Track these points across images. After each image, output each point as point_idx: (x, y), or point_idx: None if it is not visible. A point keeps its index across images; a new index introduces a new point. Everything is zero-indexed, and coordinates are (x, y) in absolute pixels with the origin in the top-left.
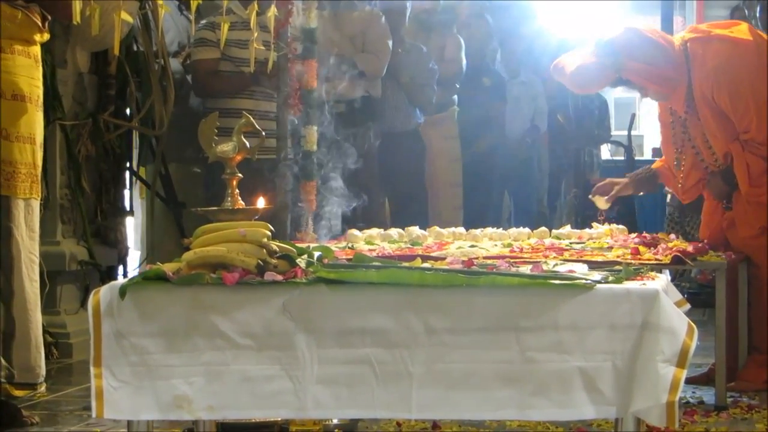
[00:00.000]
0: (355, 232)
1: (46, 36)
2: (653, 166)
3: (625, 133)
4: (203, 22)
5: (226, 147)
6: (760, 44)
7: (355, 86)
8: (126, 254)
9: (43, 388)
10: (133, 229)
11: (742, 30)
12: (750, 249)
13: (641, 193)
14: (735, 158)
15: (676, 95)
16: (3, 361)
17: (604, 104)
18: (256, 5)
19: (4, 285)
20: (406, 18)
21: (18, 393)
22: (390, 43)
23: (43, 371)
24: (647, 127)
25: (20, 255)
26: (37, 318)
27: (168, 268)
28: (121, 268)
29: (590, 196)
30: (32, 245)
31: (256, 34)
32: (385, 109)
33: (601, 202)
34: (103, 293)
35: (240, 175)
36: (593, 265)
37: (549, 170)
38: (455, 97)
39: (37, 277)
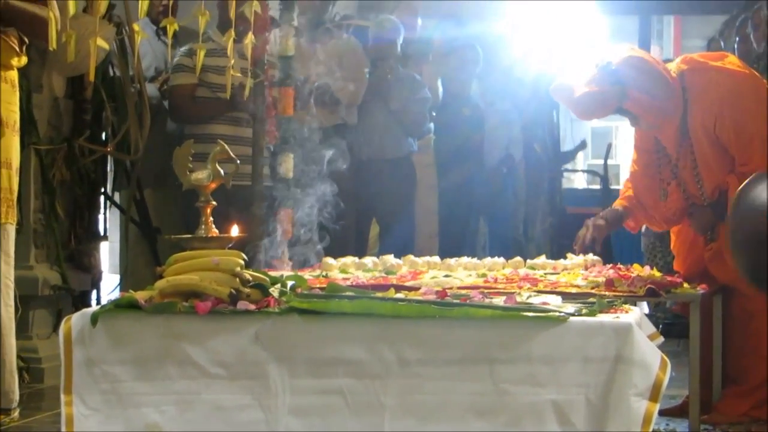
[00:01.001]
0: (329, 260)
1: (24, 60)
2: (617, 205)
3: (602, 162)
4: (183, 48)
5: (200, 175)
6: (755, 76)
7: (332, 114)
8: (100, 279)
9: (16, 414)
10: (108, 253)
11: (733, 62)
12: (739, 281)
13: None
14: (731, 190)
15: (668, 126)
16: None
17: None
18: (233, 32)
19: None
20: (398, 46)
21: (6, 420)
22: (366, 72)
23: (17, 396)
24: (623, 156)
25: (6, 281)
26: (11, 343)
27: (140, 296)
28: (94, 294)
29: (579, 255)
30: (7, 270)
31: (233, 61)
32: (374, 135)
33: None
34: (75, 320)
35: (214, 202)
36: (567, 297)
37: (525, 199)
38: (431, 125)
39: (11, 302)
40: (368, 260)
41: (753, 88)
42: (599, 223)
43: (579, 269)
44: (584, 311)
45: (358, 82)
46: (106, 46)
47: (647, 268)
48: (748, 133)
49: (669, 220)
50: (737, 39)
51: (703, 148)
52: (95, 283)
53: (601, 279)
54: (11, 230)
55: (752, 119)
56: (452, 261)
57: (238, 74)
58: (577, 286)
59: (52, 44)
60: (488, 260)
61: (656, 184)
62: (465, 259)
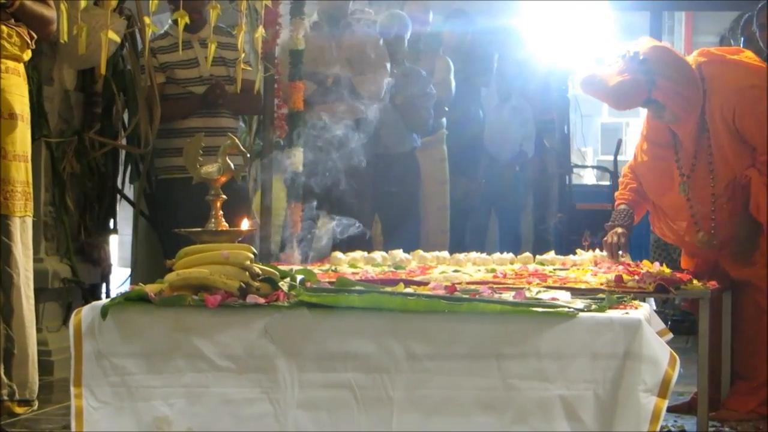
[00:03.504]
0: (338, 254)
1: (30, 52)
2: (622, 203)
3: (611, 158)
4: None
5: (210, 168)
6: None
7: (352, 108)
8: (109, 272)
9: (36, 405)
10: (118, 247)
11: (750, 56)
12: (757, 276)
13: None
14: (753, 183)
15: (689, 118)
16: (5, 378)
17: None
18: (243, 25)
19: (5, 303)
20: (405, 41)
21: (19, 410)
22: (388, 65)
23: (36, 387)
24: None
25: (18, 273)
26: (33, 335)
27: (150, 289)
28: (104, 287)
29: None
30: (27, 263)
31: (243, 55)
32: (380, 130)
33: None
34: (85, 313)
35: (224, 196)
36: (576, 293)
37: (535, 195)
38: (444, 119)
39: (32, 295)
40: (377, 255)
41: None
42: (620, 231)
43: (588, 265)
44: (593, 307)
45: (380, 76)
46: (117, 39)
47: (656, 264)
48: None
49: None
50: (743, 39)
51: (720, 141)
52: (105, 276)
53: (611, 275)
54: (30, 223)
55: None
56: (461, 256)
57: (249, 68)
58: (587, 282)
59: (63, 37)
60: (497, 256)
61: (664, 177)
62: (474, 255)
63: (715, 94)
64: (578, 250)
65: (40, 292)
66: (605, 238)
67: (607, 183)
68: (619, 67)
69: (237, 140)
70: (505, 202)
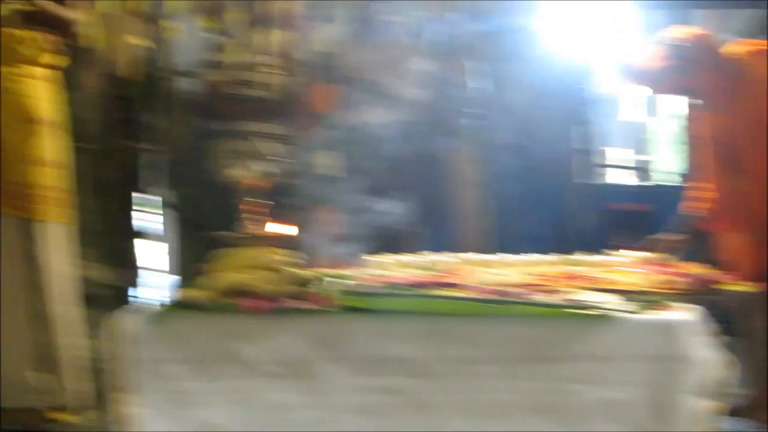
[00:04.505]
0: (378, 258)
1: (60, 59)
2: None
3: (641, 157)
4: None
5: (242, 172)
6: None
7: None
8: (145, 277)
9: (79, 412)
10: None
11: None
12: None
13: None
14: None
15: (733, 108)
16: (62, 387)
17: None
18: (269, 29)
19: (43, 310)
20: (436, 43)
21: (60, 417)
22: (419, 66)
23: (80, 394)
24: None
25: (55, 279)
26: (75, 341)
27: (195, 294)
28: (140, 292)
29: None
30: (66, 269)
31: (272, 58)
32: (412, 132)
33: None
34: (129, 318)
35: (259, 200)
36: (623, 295)
37: (570, 195)
38: (476, 121)
39: (73, 301)
40: (418, 258)
41: None
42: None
43: (634, 267)
44: (641, 309)
45: (411, 77)
46: (144, 42)
47: (704, 265)
48: None
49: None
50: None
51: (761, 132)
52: (137, 282)
53: (658, 276)
54: (69, 229)
55: None
56: (497, 258)
57: (278, 71)
58: (633, 284)
59: (88, 42)
60: (534, 257)
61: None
62: (510, 256)
63: (756, 84)
64: (622, 251)
65: (81, 299)
66: (662, 237)
67: (641, 182)
68: (663, 54)
69: (274, 144)
70: (540, 202)
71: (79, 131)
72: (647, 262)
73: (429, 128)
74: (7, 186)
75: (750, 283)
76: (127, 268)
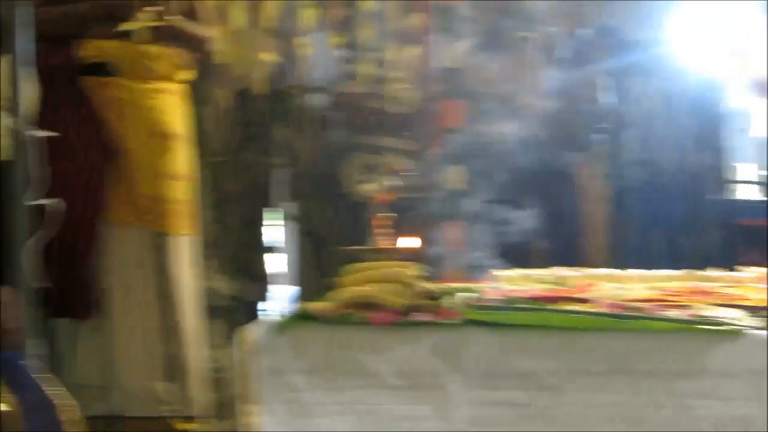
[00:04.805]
0: (501, 272)
1: (189, 74)
2: None
3: None
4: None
5: (371, 186)
6: None
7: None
8: (269, 290)
9: (207, 422)
10: (276, 265)
11: None
12: None
13: None
14: None
15: None
16: (189, 397)
17: None
18: (401, 44)
19: (170, 321)
20: (566, 61)
21: (188, 427)
22: (547, 83)
23: (207, 404)
24: None
25: (182, 291)
26: (201, 352)
27: (319, 306)
28: (265, 304)
29: None
30: (193, 281)
31: (403, 73)
32: (539, 147)
33: None
34: (255, 330)
35: (386, 213)
36: (746, 311)
37: (696, 210)
38: (601, 135)
39: (200, 312)
40: (539, 272)
41: None
42: None
43: (757, 282)
44: (763, 325)
45: (539, 94)
46: (272, 57)
47: None
48: None
49: None
50: None
51: None
52: (265, 294)
53: None
54: (193, 241)
55: None
56: (625, 272)
57: (408, 86)
58: (757, 300)
59: (218, 58)
60: (662, 272)
61: None
62: (638, 271)
63: None
64: (739, 267)
65: (206, 310)
66: None
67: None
68: None
69: (404, 158)
70: (666, 217)
71: (206, 145)
72: None
73: (558, 142)
74: (140, 200)
75: None
76: (254, 280)
